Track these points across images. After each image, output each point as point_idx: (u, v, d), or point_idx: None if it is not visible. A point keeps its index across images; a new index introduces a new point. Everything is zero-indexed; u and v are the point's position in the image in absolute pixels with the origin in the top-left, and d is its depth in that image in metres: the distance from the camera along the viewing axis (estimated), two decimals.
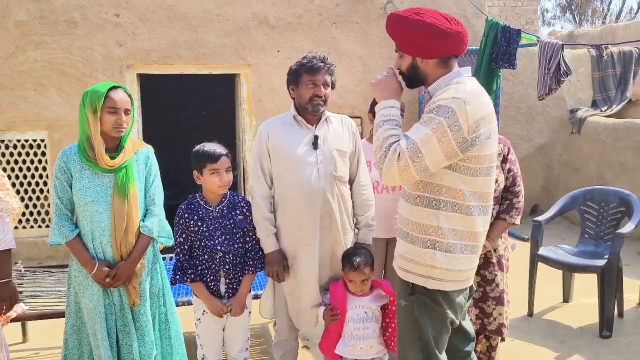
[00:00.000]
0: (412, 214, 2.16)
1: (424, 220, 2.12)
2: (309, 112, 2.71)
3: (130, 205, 2.62)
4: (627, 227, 3.93)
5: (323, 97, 2.70)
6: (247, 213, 2.76)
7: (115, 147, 2.64)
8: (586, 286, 4.55)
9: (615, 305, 4.00)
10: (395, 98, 2.21)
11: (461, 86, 2.08)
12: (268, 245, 2.74)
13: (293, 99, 2.81)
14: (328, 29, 6.25)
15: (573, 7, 21.38)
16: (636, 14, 20.65)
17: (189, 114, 8.88)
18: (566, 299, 4.51)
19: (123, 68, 5.80)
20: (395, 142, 2.04)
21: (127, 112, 2.61)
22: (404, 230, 2.20)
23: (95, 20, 5.69)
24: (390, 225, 3.15)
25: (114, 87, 2.60)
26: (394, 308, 2.65)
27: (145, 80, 6.09)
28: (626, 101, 7.27)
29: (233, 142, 6.49)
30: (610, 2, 21.60)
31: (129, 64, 5.82)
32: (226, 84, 6.99)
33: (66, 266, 3.76)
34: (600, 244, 4.30)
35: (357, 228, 2.89)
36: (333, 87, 2.78)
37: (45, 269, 3.94)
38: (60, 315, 3.11)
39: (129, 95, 2.66)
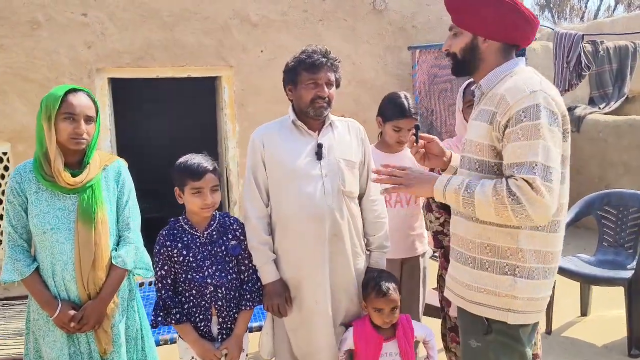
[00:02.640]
0: (480, 235, 1.80)
1: (499, 242, 1.77)
2: (311, 116, 2.29)
3: (99, 233, 2.17)
4: None
5: (327, 99, 2.28)
6: (242, 237, 2.32)
7: (77, 162, 2.19)
8: (604, 297, 4.21)
9: None
10: (436, 176, 1.90)
11: (525, 75, 1.77)
12: (267, 274, 2.31)
13: (291, 101, 2.39)
14: (314, 26, 5.85)
15: (551, 6, 21.36)
16: (614, 10, 20.69)
17: (166, 120, 8.38)
18: (584, 312, 4.16)
19: (92, 72, 5.31)
20: (507, 184, 1.67)
21: (88, 119, 2.16)
22: (468, 254, 1.84)
23: (60, 20, 5.19)
24: (405, 244, 2.75)
25: (74, 90, 2.16)
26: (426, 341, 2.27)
27: (116, 85, 5.61)
28: (624, 97, 7.01)
29: (214, 150, 6.03)
30: (588, 0, 21.66)
31: (98, 67, 5.34)
32: (206, 87, 6.54)
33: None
34: (620, 253, 3.97)
35: (369, 250, 2.48)
36: (338, 86, 2.37)
37: (5, 302, 3.45)
38: None
39: (93, 100, 2.21)
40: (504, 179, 1.70)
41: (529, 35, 1.87)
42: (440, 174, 2.12)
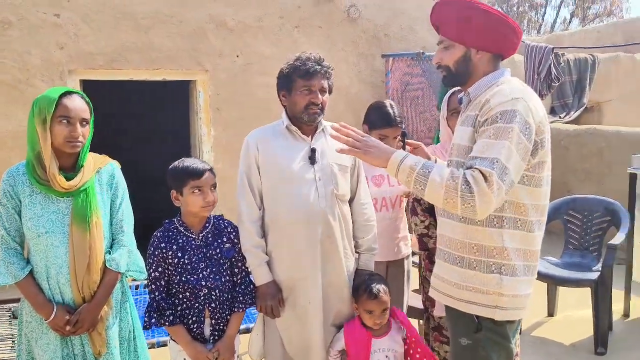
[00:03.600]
0: (467, 235, 1.88)
1: (486, 241, 1.85)
2: (304, 122, 2.35)
3: (93, 236, 2.17)
4: (618, 238, 3.80)
5: (320, 105, 2.35)
6: (235, 240, 2.36)
7: (71, 165, 2.19)
8: (569, 298, 4.41)
9: None
10: (394, 150, 1.92)
11: (511, 85, 1.86)
12: (260, 276, 2.35)
13: (284, 106, 2.44)
14: (290, 32, 5.91)
15: None
16: (569, 23, 21.52)
17: (135, 124, 8.25)
18: (551, 312, 4.34)
19: (64, 73, 5.21)
20: (464, 173, 1.73)
21: (84, 122, 2.16)
22: (456, 254, 1.92)
23: (32, 20, 5.08)
24: (391, 247, 2.83)
25: (68, 93, 2.15)
26: (414, 339, 2.33)
27: (85, 87, 5.51)
28: (583, 107, 7.33)
29: (187, 155, 6.00)
30: (544, 13, 22.43)
31: (70, 69, 5.24)
32: (177, 91, 6.50)
33: (13, 301, 3.21)
34: (586, 255, 4.16)
35: (358, 252, 2.55)
36: (330, 93, 2.44)
37: None
38: None
39: (88, 103, 2.21)
40: (462, 169, 1.78)
41: (514, 45, 1.97)
42: None
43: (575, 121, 7.21)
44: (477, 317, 1.89)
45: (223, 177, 5.54)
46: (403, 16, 6.34)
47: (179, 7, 5.46)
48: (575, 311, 4.33)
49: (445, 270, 1.98)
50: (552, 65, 4.66)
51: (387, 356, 2.32)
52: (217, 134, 5.67)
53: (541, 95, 4.78)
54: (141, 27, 5.38)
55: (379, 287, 2.32)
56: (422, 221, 2.72)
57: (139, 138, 7.99)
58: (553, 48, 4.75)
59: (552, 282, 4.05)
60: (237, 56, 5.70)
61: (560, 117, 7.22)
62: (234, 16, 5.66)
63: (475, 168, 1.72)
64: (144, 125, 8.04)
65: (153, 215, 4.82)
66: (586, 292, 3.85)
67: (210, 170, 2.30)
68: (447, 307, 2.00)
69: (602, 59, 7.50)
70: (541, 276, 3.96)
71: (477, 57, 1.94)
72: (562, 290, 4.33)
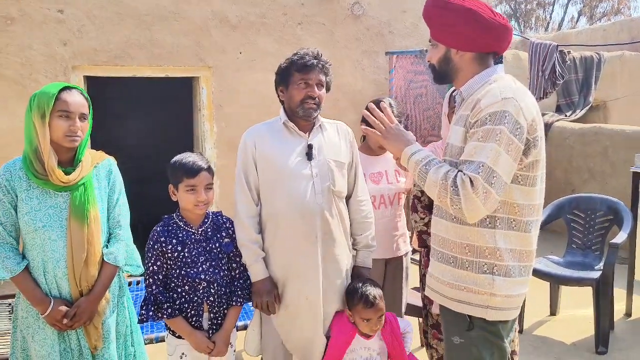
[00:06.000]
0: (460, 235, 1.87)
1: (478, 242, 1.83)
2: (300, 116, 2.35)
3: (91, 230, 2.18)
4: (620, 237, 3.77)
5: (317, 99, 2.34)
6: (234, 235, 2.37)
7: (69, 160, 2.19)
8: (572, 297, 4.38)
9: None
10: (413, 142, 1.96)
11: (503, 83, 1.82)
12: (256, 272, 2.35)
13: (282, 102, 2.43)
14: (293, 29, 5.90)
15: (518, 16, 21.93)
16: (577, 22, 21.38)
17: (139, 121, 8.28)
18: (553, 311, 4.31)
19: (68, 69, 5.23)
20: (455, 175, 1.75)
21: (82, 117, 2.16)
22: (449, 253, 1.91)
23: (35, 16, 5.10)
24: (389, 244, 2.82)
25: (67, 88, 2.16)
26: (403, 340, 2.33)
27: (91, 83, 5.53)
28: (589, 106, 7.28)
29: (191, 151, 6.00)
30: (552, 11, 22.30)
31: (74, 65, 5.26)
32: (182, 88, 6.50)
33: (13, 296, 3.22)
34: (588, 254, 4.14)
35: (356, 249, 2.54)
36: (328, 89, 2.43)
37: None
38: None
39: (86, 98, 2.22)
40: (457, 170, 1.78)
41: (502, 42, 1.92)
42: None
43: (581, 120, 7.16)
44: (470, 316, 1.88)
45: (226, 173, 5.56)
46: (407, 13, 6.32)
47: (182, 4, 5.47)
48: (577, 310, 4.30)
49: (438, 270, 1.98)
50: (556, 63, 4.62)
51: (370, 354, 2.31)
52: (219, 131, 5.67)
53: (545, 93, 4.73)
54: (144, 23, 5.38)
55: (375, 294, 2.29)
56: (422, 218, 2.71)
57: (144, 135, 8.01)
58: (557, 46, 4.71)
59: (555, 281, 4.03)
60: (240, 53, 5.70)
61: (566, 116, 7.17)
62: (237, 13, 5.66)
63: (464, 172, 1.74)
64: (149, 121, 8.05)
65: (156, 211, 4.83)
66: (588, 291, 3.82)
67: (207, 169, 2.30)
68: (440, 306, 2.00)
69: (608, 57, 7.45)
70: (543, 275, 3.95)
71: (457, 56, 1.92)
72: (564, 289, 4.31)
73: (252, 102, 5.67)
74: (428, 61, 2.03)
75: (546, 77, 4.55)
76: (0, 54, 5.03)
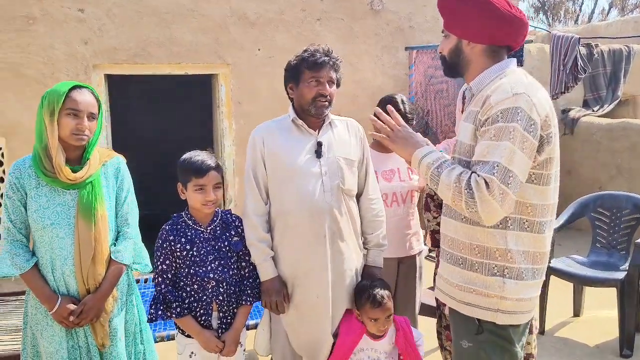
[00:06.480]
0: (469, 236, 1.80)
1: (488, 243, 1.77)
2: (312, 114, 2.30)
3: (99, 228, 2.18)
4: None
5: (328, 97, 2.30)
6: (244, 234, 2.35)
7: (78, 158, 2.20)
8: (596, 298, 4.25)
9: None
10: (423, 144, 1.89)
11: (514, 77, 1.75)
12: (265, 271, 2.32)
13: (291, 99, 2.40)
14: (312, 25, 5.85)
15: (546, 8, 21.47)
16: (608, 14, 20.83)
17: (159, 117, 8.35)
18: (577, 312, 4.20)
19: (89, 68, 5.28)
20: (469, 177, 1.68)
21: (91, 116, 2.16)
22: (458, 254, 1.85)
23: (57, 15, 5.16)
24: (402, 243, 2.77)
25: (77, 87, 2.16)
26: (418, 343, 2.27)
27: (109, 81, 5.58)
28: (617, 101, 7.06)
29: (210, 148, 6.02)
30: (582, 3, 21.77)
31: (95, 64, 5.31)
32: (201, 85, 6.53)
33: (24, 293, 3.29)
34: (613, 254, 4.00)
35: (366, 248, 2.49)
36: (339, 85, 2.38)
37: (1, 298, 3.43)
38: (13, 359, 2.62)
39: (97, 98, 2.22)
40: (470, 171, 1.72)
41: (516, 36, 1.85)
42: None
43: (609, 115, 6.94)
44: (479, 319, 1.81)
45: (244, 170, 5.56)
46: (427, 7, 6.21)
47: (200, 1, 5.47)
48: (602, 312, 4.17)
49: (447, 271, 1.92)
50: (578, 56, 4.46)
51: (378, 357, 2.26)
52: (238, 128, 5.67)
53: (567, 88, 4.59)
54: (164, 21, 5.40)
55: (383, 294, 2.24)
56: (435, 217, 2.64)
57: (166, 133, 8.07)
58: (580, 38, 4.56)
59: (577, 282, 3.91)
60: (259, 49, 5.68)
61: (593, 111, 6.97)
62: (255, 9, 5.64)
63: (479, 174, 1.67)
64: (171, 119, 8.12)
65: (179, 210, 4.86)
66: (613, 292, 3.70)
67: (216, 168, 2.28)
68: (449, 308, 1.94)
69: (638, 50, 7.20)
70: (566, 275, 3.85)
71: (468, 48, 1.86)
72: (588, 290, 4.18)
73: (271, 99, 5.64)
74: (439, 52, 1.97)
75: (567, 71, 4.40)
76: (22, 53, 5.11)
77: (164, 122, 8.16)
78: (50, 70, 5.17)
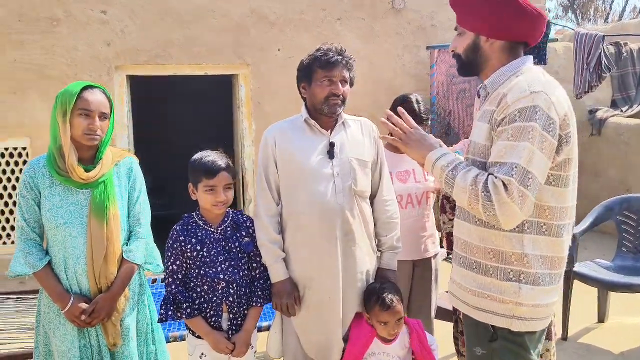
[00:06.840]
0: (483, 239, 1.75)
1: (503, 247, 1.71)
2: (324, 114, 2.27)
3: (111, 228, 2.18)
4: None
5: (341, 96, 2.26)
6: (255, 234, 2.33)
7: (90, 157, 2.21)
8: (622, 304, 4.12)
9: None
10: (437, 146, 1.85)
11: (530, 75, 1.70)
12: (276, 273, 2.30)
13: (304, 99, 2.37)
14: (332, 25, 5.83)
15: (575, 7, 21.04)
16: (639, 12, 20.31)
17: (181, 117, 8.42)
18: (601, 318, 4.07)
19: (111, 69, 5.35)
20: (486, 179, 1.63)
21: (103, 116, 2.17)
22: (472, 258, 1.79)
23: (80, 17, 5.25)
24: (417, 245, 2.72)
25: (89, 87, 2.17)
26: (432, 348, 2.22)
27: (131, 82, 5.64)
28: None
29: (230, 148, 6.05)
30: (612, 1, 21.29)
31: (117, 65, 5.38)
32: (222, 85, 6.55)
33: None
34: None
35: (380, 251, 2.45)
36: (352, 85, 2.34)
37: (19, 295, 3.48)
38: (28, 356, 2.65)
39: (108, 98, 2.23)
40: (486, 173, 1.67)
41: (535, 32, 1.80)
42: None
43: (638, 115, 6.73)
44: (493, 326, 1.76)
45: None
46: (450, 5, 6.11)
47: (220, 2, 5.49)
48: (628, 318, 4.05)
49: (460, 275, 1.86)
50: (602, 54, 4.33)
51: None
52: (258, 128, 5.67)
53: (591, 87, 4.46)
54: (184, 22, 5.44)
55: (392, 297, 2.20)
56: (451, 219, 2.59)
57: (187, 133, 8.13)
58: (604, 36, 4.43)
59: (602, 287, 3.79)
60: (279, 50, 5.68)
61: (622, 111, 6.78)
62: (276, 9, 5.64)
63: (497, 176, 1.61)
64: (193, 119, 8.17)
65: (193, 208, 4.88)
66: (639, 298, 3.58)
67: (227, 169, 2.26)
68: (463, 314, 1.88)
69: None
70: (591, 280, 3.74)
71: (486, 44, 1.81)
72: (613, 296, 4.06)
73: (291, 99, 5.60)
74: (452, 51, 1.92)
75: (591, 69, 4.28)
76: (46, 54, 5.20)
77: (185, 122, 8.21)
78: (74, 71, 5.25)
